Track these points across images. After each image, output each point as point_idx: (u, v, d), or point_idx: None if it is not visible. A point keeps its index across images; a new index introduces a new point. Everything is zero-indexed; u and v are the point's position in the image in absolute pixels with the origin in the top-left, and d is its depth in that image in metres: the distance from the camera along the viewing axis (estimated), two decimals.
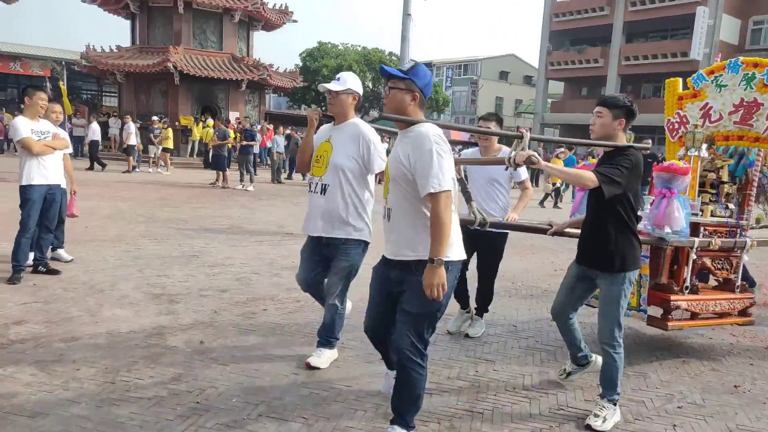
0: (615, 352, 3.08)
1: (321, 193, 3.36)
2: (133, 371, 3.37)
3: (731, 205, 4.37)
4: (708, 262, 4.22)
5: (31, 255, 5.32)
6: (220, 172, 14.37)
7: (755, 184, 4.46)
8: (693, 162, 4.14)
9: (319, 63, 30.95)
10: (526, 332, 4.56)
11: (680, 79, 4.94)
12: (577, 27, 36.64)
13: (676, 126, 4.85)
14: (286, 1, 24.87)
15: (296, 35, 68.72)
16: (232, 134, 16.45)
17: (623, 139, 3.14)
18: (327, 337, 3.58)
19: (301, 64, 31.88)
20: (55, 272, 5.33)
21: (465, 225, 3.19)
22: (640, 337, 4.63)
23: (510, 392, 3.43)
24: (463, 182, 3.54)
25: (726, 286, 4.43)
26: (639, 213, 3.36)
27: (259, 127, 19.37)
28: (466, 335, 4.36)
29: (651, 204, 3.88)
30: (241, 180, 14.29)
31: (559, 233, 3.60)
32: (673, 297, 3.96)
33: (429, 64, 48.63)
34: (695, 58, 28.57)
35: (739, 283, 4.37)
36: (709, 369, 4.01)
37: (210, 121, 20.29)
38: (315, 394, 3.23)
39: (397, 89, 2.58)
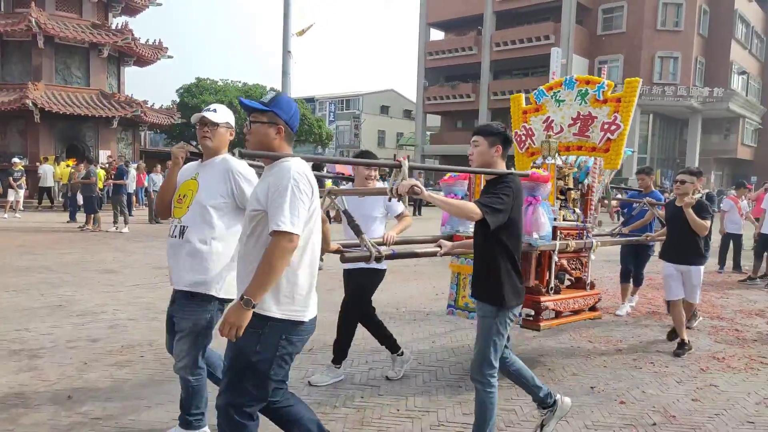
0: (485, 389, 2.92)
1: (179, 237, 2.82)
2: None
3: (578, 210, 4.80)
4: (565, 263, 4.58)
5: None
6: (91, 215, 13.48)
7: (594, 189, 4.90)
8: (550, 170, 4.38)
9: (198, 99, 30.14)
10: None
11: (523, 95, 5.34)
12: (450, 64, 39.12)
13: (523, 138, 5.19)
14: (160, 37, 24.16)
15: (173, 71, 66.71)
16: (100, 174, 15.53)
17: (502, 165, 3.10)
18: (185, 415, 2.99)
19: (178, 100, 30.85)
20: None
21: (360, 261, 3.19)
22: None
23: (393, 414, 3.56)
24: (348, 215, 3.46)
25: (578, 284, 4.81)
26: None
27: (135, 165, 18.44)
28: (309, 383, 3.99)
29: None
30: (115, 222, 13.46)
31: (449, 253, 3.68)
32: (542, 298, 4.24)
33: (311, 99, 49.26)
34: None
35: (589, 281, 4.80)
36: (570, 374, 4.42)
37: (69, 161, 18.93)
38: None
39: (260, 123, 2.36)
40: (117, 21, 23.52)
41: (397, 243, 3.82)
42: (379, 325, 4.18)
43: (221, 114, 2.92)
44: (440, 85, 39.99)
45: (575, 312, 4.63)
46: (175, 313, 2.89)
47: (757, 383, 4.32)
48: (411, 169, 2.80)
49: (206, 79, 32.69)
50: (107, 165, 18.30)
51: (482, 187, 3.26)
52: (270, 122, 2.35)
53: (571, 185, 4.77)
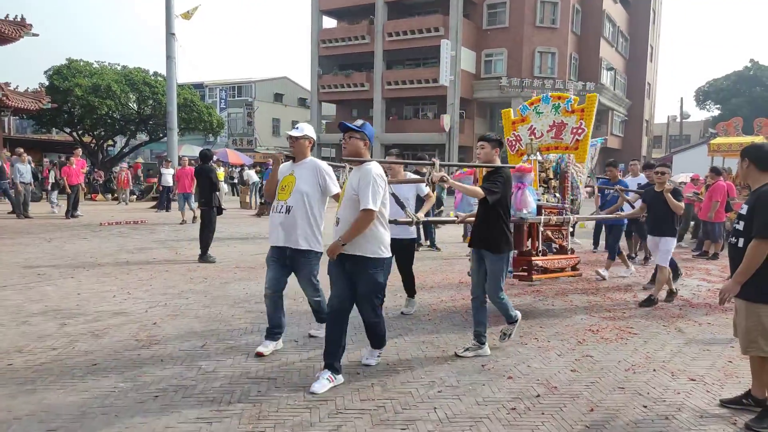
0: (501, 302, 4.60)
1: (286, 213, 4.26)
2: None
3: (557, 194, 6.43)
4: (550, 233, 6.16)
5: None
6: None
7: (569, 178, 6.50)
8: (534, 164, 5.93)
9: (71, 82, 27.53)
10: (307, 346, 4.71)
11: (511, 110, 7.03)
12: (344, 53, 39.00)
13: (513, 143, 6.94)
14: (23, 12, 21.82)
15: (41, 51, 60.58)
16: None
17: (498, 161, 4.64)
18: (319, 320, 4.81)
19: (47, 83, 28.00)
20: None
21: (406, 224, 5.21)
22: (408, 334, 5.12)
23: (291, 406, 3.52)
24: (395, 196, 4.97)
25: (561, 250, 6.34)
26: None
27: None
28: (402, 313, 5.84)
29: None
30: None
31: (464, 221, 5.62)
32: (533, 258, 5.83)
33: (200, 85, 47.04)
34: (444, 83, 32.55)
35: (570, 247, 6.44)
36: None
37: None
38: None
39: (355, 138, 3.90)
40: None
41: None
42: (412, 275, 5.89)
43: (301, 130, 4.41)
44: (334, 74, 39.76)
45: (560, 269, 6.14)
46: (294, 264, 4.35)
47: (626, 352, 4.77)
48: (441, 165, 4.48)
49: (79, 60, 29.95)
50: None
51: (484, 176, 4.70)
52: (361, 138, 3.91)
53: (551, 176, 6.28)
